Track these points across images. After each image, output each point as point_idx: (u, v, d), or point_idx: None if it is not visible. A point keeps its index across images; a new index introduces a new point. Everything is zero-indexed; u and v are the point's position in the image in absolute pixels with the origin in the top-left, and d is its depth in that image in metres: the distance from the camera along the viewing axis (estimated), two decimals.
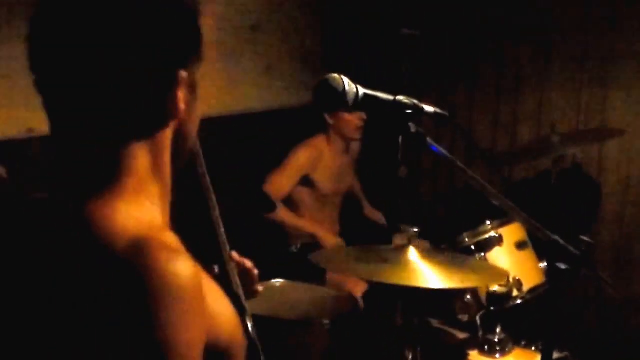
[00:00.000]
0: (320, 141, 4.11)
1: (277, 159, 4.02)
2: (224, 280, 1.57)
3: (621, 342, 4.26)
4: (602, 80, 4.40)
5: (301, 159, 4.04)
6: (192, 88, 1.22)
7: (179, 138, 1.24)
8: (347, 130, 4.07)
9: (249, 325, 1.54)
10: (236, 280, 1.64)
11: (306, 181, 4.08)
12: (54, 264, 1.09)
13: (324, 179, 4.11)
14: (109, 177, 1.14)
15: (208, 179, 1.60)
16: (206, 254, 1.50)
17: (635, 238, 4.40)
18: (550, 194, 3.98)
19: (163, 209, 1.21)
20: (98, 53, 1.10)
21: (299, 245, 4.09)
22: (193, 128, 1.28)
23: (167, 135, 1.21)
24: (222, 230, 1.65)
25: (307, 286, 3.37)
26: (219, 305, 1.17)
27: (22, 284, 1.12)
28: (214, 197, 1.63)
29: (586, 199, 4.44)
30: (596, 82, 4.42)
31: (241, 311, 1.49)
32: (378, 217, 4.53)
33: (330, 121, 4.06)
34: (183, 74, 1.18)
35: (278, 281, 3.26)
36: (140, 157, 1.17)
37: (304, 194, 4.12)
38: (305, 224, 4.05)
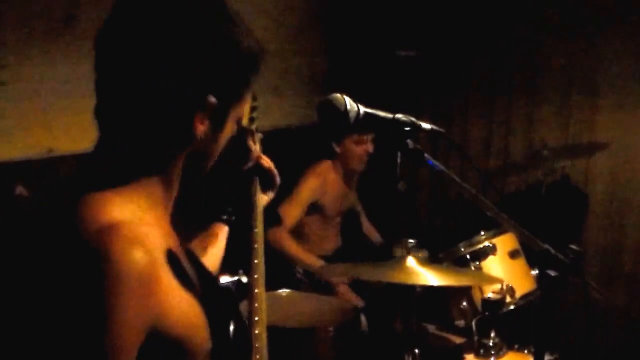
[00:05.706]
0: (325, 167, 4.03)
1: (284, 177, 3.98)
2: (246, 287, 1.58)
3: (607, 345, 4.24)
4: (589, 97, 4.39)
5: (310, 188, 3.94)
6: (218, 118, 1.23)
7: (198, 157, 1.26)
8: (352, 161, 3.99)
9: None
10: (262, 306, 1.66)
11: (314, 206, 4.00)
12: (36, 246, 1.15)
13: (329, 202, 4.04)
14: (120, 177, 1.19)
15: (258, 200, 1.64)
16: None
17: (620, 246, 4.38)
18: (541, 205, 3.97)
19: (158, 211, 1.24)
20: (140, 68, 1.15)
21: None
22: (214, 151, 1.29)
23: (181, 156, 1.24)
24: (259, 247, 1.68)
25: (311, 295, 3.36)
26: (177, 301, 1.17)
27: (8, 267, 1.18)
28: (260, 216, 1.75)
29: (575, 209, 4.42)
30: (584, 99, 4.41)
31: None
32: (375, 235, 4.45)
33: (337, 149, 3.99)
34: (211, 99, 1.19)
35: (284, 291, 3.25)
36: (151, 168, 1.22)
37: (309, 216, 4.03)
38: (301, 256, 3.84)
